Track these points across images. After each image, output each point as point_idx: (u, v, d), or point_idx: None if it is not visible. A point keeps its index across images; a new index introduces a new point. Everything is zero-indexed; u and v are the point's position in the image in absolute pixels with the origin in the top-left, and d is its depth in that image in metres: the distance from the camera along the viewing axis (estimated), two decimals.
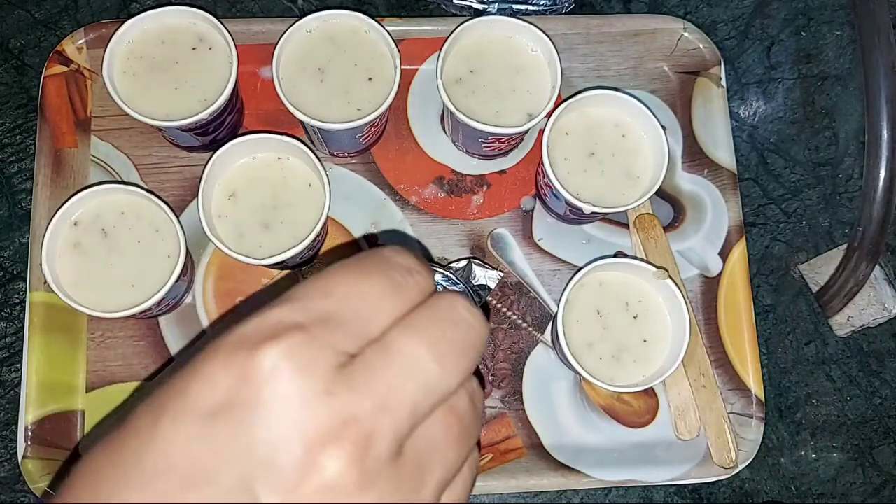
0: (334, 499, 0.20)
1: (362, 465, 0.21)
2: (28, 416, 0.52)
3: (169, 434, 0.22)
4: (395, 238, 0.58)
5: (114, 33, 0.51)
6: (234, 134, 0.58)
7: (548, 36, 0.53)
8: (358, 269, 0.24)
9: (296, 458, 0.20)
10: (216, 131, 0.55)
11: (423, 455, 0.22)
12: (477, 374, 0.26)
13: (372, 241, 0.58)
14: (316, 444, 0.21)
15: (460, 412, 0.23)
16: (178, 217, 0.50)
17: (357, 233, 0.58)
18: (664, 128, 0.53)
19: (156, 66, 0.52)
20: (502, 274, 0.57)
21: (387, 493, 0.21)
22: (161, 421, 0.22)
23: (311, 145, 0.58)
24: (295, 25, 0.52)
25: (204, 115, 0.51)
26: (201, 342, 0.55)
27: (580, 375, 0.50)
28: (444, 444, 0.23)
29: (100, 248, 0.50)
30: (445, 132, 0.60)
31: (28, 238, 0.55)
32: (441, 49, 0.52)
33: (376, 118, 0.51)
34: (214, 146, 0.57)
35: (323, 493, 0.20)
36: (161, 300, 0.49)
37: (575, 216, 0.56)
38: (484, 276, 0.56)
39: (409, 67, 0.59)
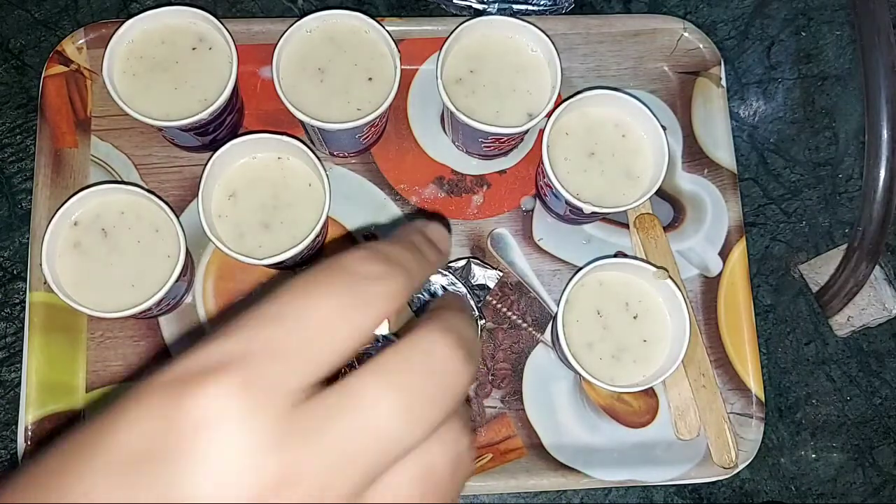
0: None
1: None
2: (28, 416, 0.52)
3: (85, 481, 0.19)
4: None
5: (114, 33, 0.51)
6: (234, 134, 0.58)
7: (548, 36, 0.53)
8: (313, 285, 0.21)
9: None
10: (216, 131, 0.55)
11: None
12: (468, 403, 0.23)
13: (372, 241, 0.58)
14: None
15: (432, 466, 0.21)
16: (178, 217, 0.50)
17: (357, 233, 0.58)
18: (664, 128, 0.53)
19: (156, 66, 0.52)
20: (501, 273, 0.57)
21: None
22: (79, 466, 0.19)
23: (311, 145, 0.59)
24: (295, 25, 0.52)
25: (204, 115, 0.51)
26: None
27: (580, 375, 0.50)
28: (408, 501, 0.20)
29: (100, 248, 0.50)
30: (445, 132, 0.60)
31: (28, 238, 0.55)
32: (441, 49, 0.52)
33: (376, 118, 0.51)
34: (214, 146, 0.57)
35: None
36: (161, 300, 0.49)
37: (575, 216, 0.56)
38: (483, 276, 0.56)
39: (409, 67, 0.59)
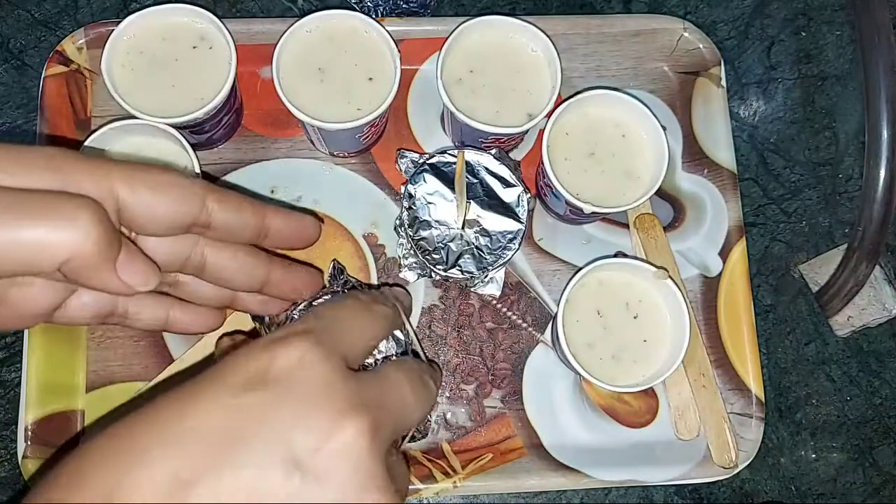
0: (349, 460, 0.26)
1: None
2: (28, 416, 0.52)
3: (202, 403, 0.26)
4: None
5: (115, 27, 0.51)
6: (230, 134, 0.58)
7: (548, 36, 0.53)
8: (340, 303, 0.35)
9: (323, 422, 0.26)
10: (212, 131, 0.55)
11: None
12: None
13: (372, 241, 0.58)
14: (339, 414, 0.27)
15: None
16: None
17: (357, 233, 0.58)
18: (664, 128, 0.53)
19: (155, 63, 0.52)
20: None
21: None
22: (196, 395, 0.26)
23: (311, 145, 0.59)
24: (295, 25, 0.52)
25: (198, 114, 0.50)
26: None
27: (580, 375, 0.50)
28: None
29: None
30: (445, 132, 0.60)
31: None
32: (441, 49, 0.52)
33: (376, 118, 0.51)
34: (210, 145, 0.58)
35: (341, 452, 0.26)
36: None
37: (575, 216, 0.56)
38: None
39: (409, 67, 0.59)
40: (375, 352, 0.43)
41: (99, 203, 0.30)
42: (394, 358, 0.44)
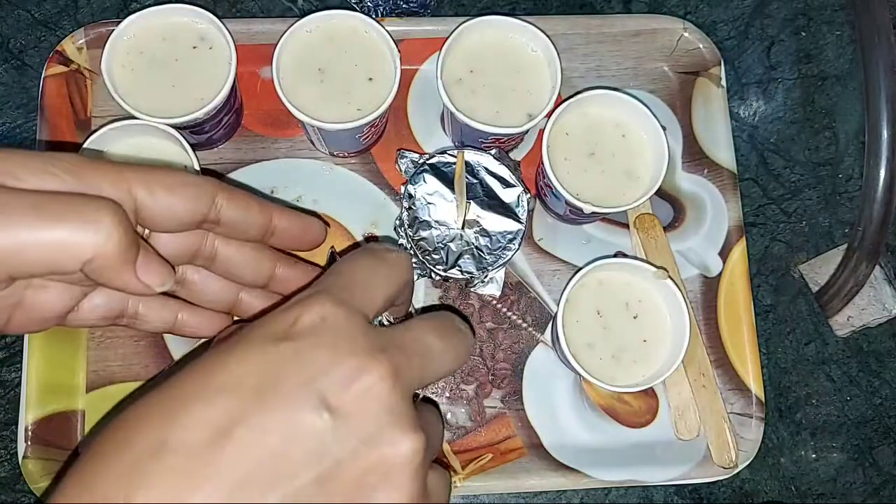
0: (374, 400, 0.27)
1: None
2: (28, 416, 0.52)
3: (234, 358, 0.27)
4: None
5: (115, 27, 0.51)
6: (230, 134, 0.58)
7: (548, 36, 0.53)
8: (354, 256, 0.34)
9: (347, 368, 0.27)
10: (212, 131, 0.55)
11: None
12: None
13: (371, 242, 0.58)
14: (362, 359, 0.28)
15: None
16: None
17: (357, 233, 0.58)
18: (664, 128, 0.53)
19: (155, 63, 0.52)
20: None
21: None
22: (226, 355, 0.28)
23: (311, 145, 0.59)
24: (295, 25, 0.52)
25: (199, 114, 0.50)
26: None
27: (580, 375, 0.50)
28: None
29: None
30: (445, 132, 0.60)
31: None
32: (441, 49, 0.52)
33: (376, 118, 0.51)
34: (210, 145, 0.58)
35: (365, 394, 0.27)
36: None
37: (575, 216, 0.56)
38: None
39: (409, 67, 0.59)
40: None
41: (119, 205, 0.31)
42: None
